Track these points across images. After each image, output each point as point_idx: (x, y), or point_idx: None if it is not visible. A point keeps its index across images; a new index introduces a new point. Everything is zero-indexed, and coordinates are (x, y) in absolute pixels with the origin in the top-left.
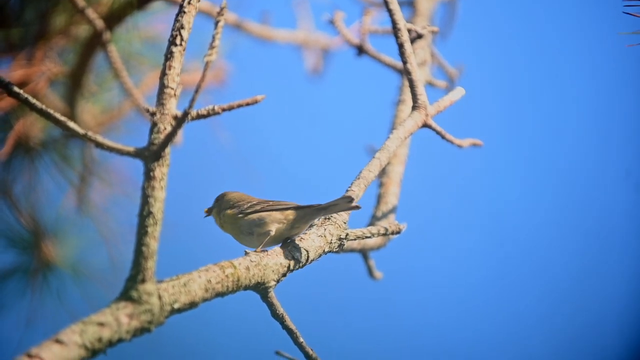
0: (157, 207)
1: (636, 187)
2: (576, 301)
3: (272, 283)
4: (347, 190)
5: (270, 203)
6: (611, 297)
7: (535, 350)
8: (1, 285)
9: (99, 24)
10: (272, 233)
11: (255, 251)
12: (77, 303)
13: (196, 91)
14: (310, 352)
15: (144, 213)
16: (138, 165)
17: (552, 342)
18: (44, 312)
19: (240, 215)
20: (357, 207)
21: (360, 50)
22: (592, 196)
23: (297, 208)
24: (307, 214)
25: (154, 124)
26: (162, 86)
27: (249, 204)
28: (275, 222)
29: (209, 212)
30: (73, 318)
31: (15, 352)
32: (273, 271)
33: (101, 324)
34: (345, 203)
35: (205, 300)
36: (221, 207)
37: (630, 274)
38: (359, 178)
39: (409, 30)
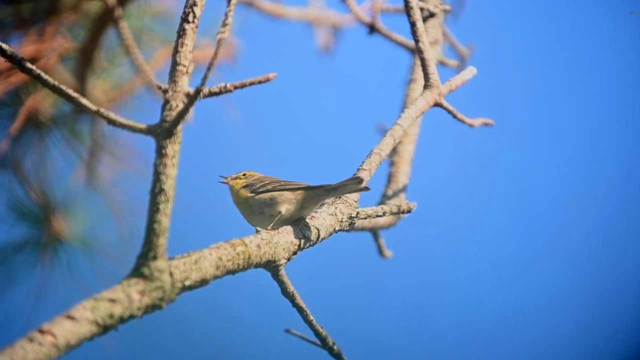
0: (169, 184)
1: None
2: (594, 277)
3: (283, 261)
4: (358, 169)
5: (282, 183)
6: (626, 285)
7: (550, 330)
8: (12, 258)
9: (111, 0)
10: (283, 213)
11: (266, 229)
12: (87, 277)
13: (208, 68)
14: (320, 330)
15: (156, 190)
16: (148, 140)
17: (569, 322)
18: (54, 286)
19: (251, 194)
20: (366, 189)
21: (372, 28)
22: (605, 175)
23: (307, 188)
24: (317, 195)
25: (166, 101)
26: (175, 63)
27: (262, 183)
28: (286, 203)
29: (226, 180)
30: (83, 292)
31: (26, 325)
32: (284, 249)
33: (113, 301)
34: (354, 184)
35: (216, 277)
36: (245, 185)
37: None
38: (370, 157)
39: (421, 9)
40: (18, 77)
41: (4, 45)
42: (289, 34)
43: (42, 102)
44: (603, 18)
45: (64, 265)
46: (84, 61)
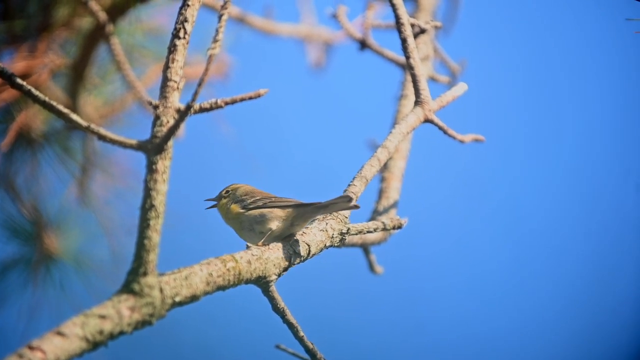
0: (159, 200)
1: None
2: (580, 304)
3: (274, 277)
4: (348, 185)
5: (273, 199)
6: (622, 292)
7: (536, 347)
8: (4, 277)
9: (102, 16)
10: (273, 230)
11: (256, 245)
12: (80, 295)
13: (199, 84)
14: (311, 346)
15: (146, 206)
16: (140, 157)
17: (556, 342)
18: (47, 304)
19: (242, 211)
20: (356, 207)
21: (363, 44)
22: (594, 193)
23: (297, 206)
24: (307, 212)
25: (157, 117)
26: (165, 79)
27: (253, 199)
28: (276, 220)
29: (216, 201)
30: (76, 310)
31: (19, 344)
32: (274, 265)
33: (103, 317)
34: (344, 202)
35: (206, 293)
36: (232, 199)
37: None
38: (360, 173)
39: (412, 25)
40: (9, 94)
41: None
42: (280, 51)
43: (34, 118)
44: (598, 28)
45: (56, 283)
46: (76, 77)
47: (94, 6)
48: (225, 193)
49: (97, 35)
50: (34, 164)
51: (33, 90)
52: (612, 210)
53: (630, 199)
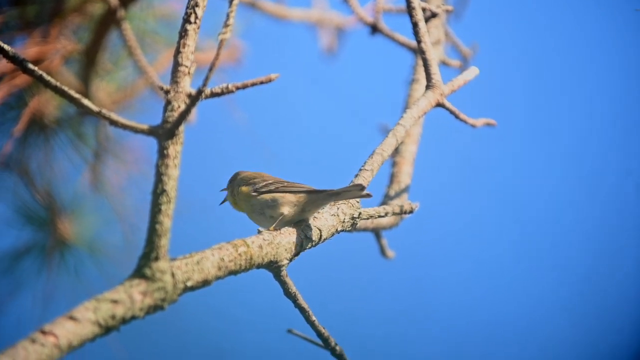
0: (171, 185)
1: None
2: (592, 278)
3: (285, 262)
4: (360, 170)
5: (285, 184)
6: (624, 285)
7: (549, 330)
8: (18, 263)
9: (114, 1)
10: (284, 214)
11: (268, 230)
12: (95, 281)
13: (210, 69)
14: (322, 330)
15: (158, 191)
16: (153, 143)
17: (568, 322)
18: (62, 290)
19: (254, 194)
20: (368, 195)
21: (374, 29)
22: (607, 178)
23: (309, 192)
24: (319, 199)
25: (168, 102)
26: (176, 64)
27: (265, 183)
28: (288, 205)
29: (225, 199)
30: (91, 296)
31: (34, 330)
32: (286, 250)
33: (115, 301)
34: (357, 190)
35: (218, 278)
36: (234, 185)
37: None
38: (372, 157)
39: (423, 9)
40: (22, 79)
41: (6, 47)
42: (292, 36)
43: (47, 104)
44: (607, 17)
45: (70, 269)
46: (88, 63)
47: None
48: (229, 183)
49: (109, 20)
50: (47, 150)
51: (45, 75)
52: (618, 200)
53: (632, 192)
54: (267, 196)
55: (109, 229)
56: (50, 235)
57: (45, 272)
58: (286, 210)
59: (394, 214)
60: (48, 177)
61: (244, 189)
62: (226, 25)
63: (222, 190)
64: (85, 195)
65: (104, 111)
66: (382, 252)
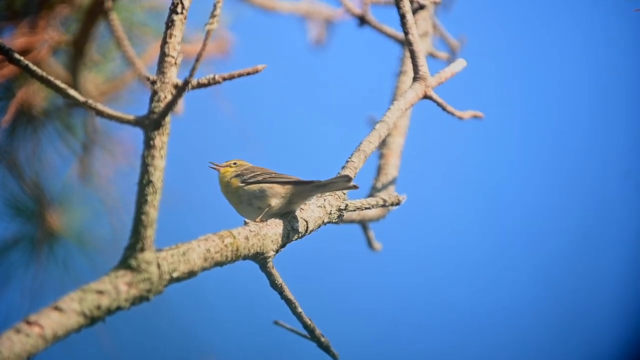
0: (157, 175)
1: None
2: (575, 274)
3: (271, 253)
4: (346, 162)
5: (273, 175)
6: (607, 285)
7: (533, 320)
8: (7, 255)
9: None
10: (272, 206)
11: (254, 221)
12: (83, 273)
13: (197, 60)
14: (309, 322)
15: (144, 182)
16: (141, 135)
17: (550, 311)
18: (51, 282)
19: (241, 184)
20: (354, 187)
21: (362, 20)
22: (591, 171)
23: (296, 183)
24: (305, 190)
25: (155, 93)
26: (163, 55)
27: (252, 174)
28: (275, 196)
29: (217, 167)
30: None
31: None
32: (272, 241)
33: (100, 292)
34: (343, 182)
35: (204, 269)
36: (234, 173)
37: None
38: (359, 149)
39: (411, 1)
40: (9, 70)
41: None
42: (281, 28)
43: (35, 95)
44: (602, 13)
45: (59, 261)
46: (76, 54)
47: None
48: (232, 163)
49: (97, 12)
50: (35, 142)
51: (31, 65)
52: (606, 194)
53: (624, 196)
54: (255, 187)
55: (98, 221)
56: (39, 227)
57: (34, 264)
58: (273, 201)
59: (380, 206)
60: (36, 169)
61: (234, 181)
62: (213, 15)
63: (212, 163)
64: (73, 187)
65: (90, 101)
66: (369, 244)
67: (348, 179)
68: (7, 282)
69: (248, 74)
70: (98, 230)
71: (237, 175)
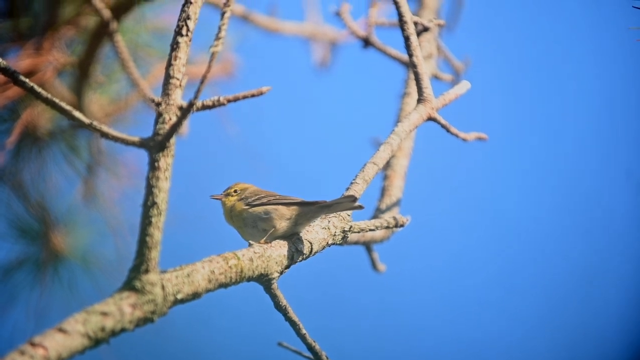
0: (162, 197)
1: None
2: (579, 297)
3: (276, 275)
4: (351, 183)
5: (277, 197)
6: (613, 296)
7: (537, 345)
8: (12, 276)
9: (106, 14)
10: (276, 228)
11: (259, 243)
12: (88, 294)
13: (202, 82)
14: (313, 343)
15: (148, 203)
16: (146, 157)
17: (554, 337)
18: (55, 303)
19: (245, 207)
20: (360, 207)
21: (367, 42)
22: (595, 192)
23: (301, 204)
24: (310, 211)
25: (159, 114)
26: (168, 77)
27: (257, 196)
28: (280, 218)
29: (222, 196)
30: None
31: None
32: (276, 263)
33: (104, 314)
34: (349, 202)
35: (208, 291)
36: (238, 198)
37: (633, 269)
38: (363, 171)
39: (415, 23)
40: (14, 91)
41: None
42: (285, 50)
43: (40, 117)
44: (600, 34)
45: (64, 282)
46: (81, 76)
47: (98, 4)
48: (233, 192)
49: (102, 33)
50: (40, 163)
51: (35, 87)
52: (617, 212)
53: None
54: (260, 209)
55: (103, 242)
56: (44, 248)
57: (39, 285)
58: (278, 223)
59: (385, 227)
60: (41, 190)
61: (239, 204)
62: (218, 38)
63: (214, 196)
64: (78, 208)
65: (95, 123)
66: (373, 265)
67: (353, 199)
68: (12, 302)
69: (253, 95)
70: (102, 252)
71: (241, 199)
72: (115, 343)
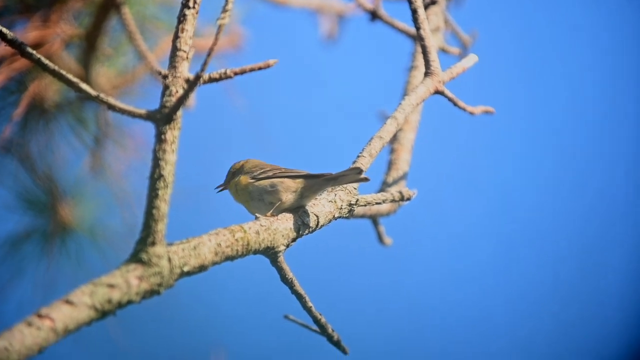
0: (168, 170)
1: None
2: (581, 273)
3: (282, 247)
4: (357, 156)
5: (282, 170)
6: (613, 280)
7: (545, 318)
8: (20, 248)
9: None
10: (282, 200)
11: (265, 216)
12: (96, 266)
13: (209, 54)
14: (319, 316)
15: (155, 176)
16: (153, 129)
17: (556, 306)
18: (63, 276)
19: (251, 181)
20: (366, 179)
21: (374, 15)
22: (602, 170)
23: (307, 176)
24: (316, 184)
25: (166, 87)
26: (175, 49)
27: (262, 170)
28: (286, 191)
29: (224, 186)
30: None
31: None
32: (283, 236)
33: (111, 286)
34: (354, 174)
35: (214, 263)
36: (234, 176)
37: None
38: (370, 143)
39: None
40: (22, 63)
41: (4, 30)
42: (293, 22)
43: (47, 89)
44: (613, 12)
45: (71, 254)
46: (89, 48)
47: None
48: (232, 173)
49: (109, 5)
50: (47, 135)
51: (42, 58)
52: (621, 194)
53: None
54: (266, 182)
55: (110, 214)
56: (51, 221)
57: (46, 257)
58: (284, 196)
59: (391, 201)
60: (49, 162)
61: (243, 178)
62: (225, 10)
63: (218, 187)
64: (85, 180)
65: (101, 95)
66: (380, 239)
67: (359, 171)
68: (19, 275)
69: (259, 68)
70: (110, 224)
71: (246, 173)
72: (121, 315)
